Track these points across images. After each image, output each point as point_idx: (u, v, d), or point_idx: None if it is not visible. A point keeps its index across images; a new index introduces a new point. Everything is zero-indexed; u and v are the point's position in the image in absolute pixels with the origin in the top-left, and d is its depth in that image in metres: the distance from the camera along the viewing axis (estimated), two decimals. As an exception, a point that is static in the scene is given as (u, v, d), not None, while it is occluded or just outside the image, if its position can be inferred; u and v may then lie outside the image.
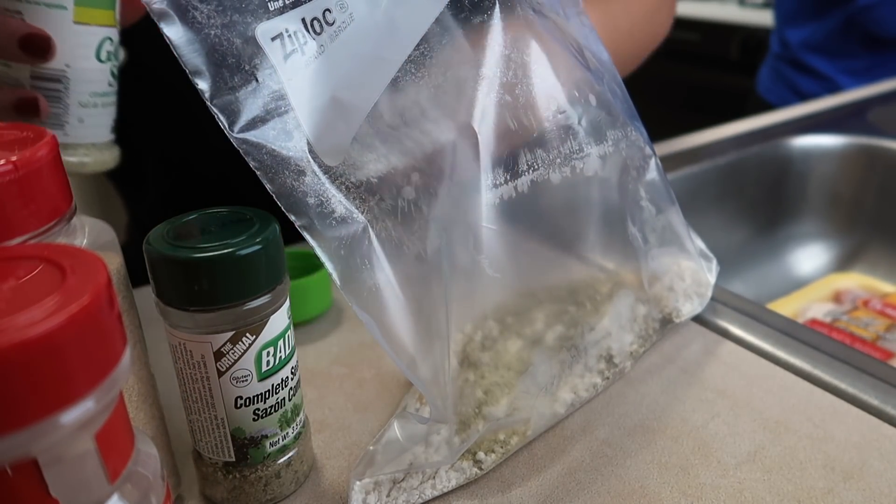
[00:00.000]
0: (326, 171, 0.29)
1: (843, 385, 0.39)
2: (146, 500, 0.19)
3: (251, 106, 0.28)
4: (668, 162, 0.68)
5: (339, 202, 0.30)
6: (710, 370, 0.41)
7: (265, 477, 0.31)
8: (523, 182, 0.35)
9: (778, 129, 0.77)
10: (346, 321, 0.47)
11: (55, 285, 0.16)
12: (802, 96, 1.13)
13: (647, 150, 0.42)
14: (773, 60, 1.22)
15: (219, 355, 0.28)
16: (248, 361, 0.29)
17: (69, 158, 0.36)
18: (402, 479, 0.32)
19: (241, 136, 0.27)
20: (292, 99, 0.28)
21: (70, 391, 0.16)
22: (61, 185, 0.25)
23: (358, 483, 0.32)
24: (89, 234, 0.27)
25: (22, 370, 0.15)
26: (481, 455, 0.33)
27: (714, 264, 0.46)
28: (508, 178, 0.34)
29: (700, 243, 0.46)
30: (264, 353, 0.29)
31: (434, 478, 0.32)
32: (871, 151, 0.73)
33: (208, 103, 0.27)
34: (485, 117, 0.33)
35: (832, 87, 1.11)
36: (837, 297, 0.65)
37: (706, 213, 0.69)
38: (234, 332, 0.28)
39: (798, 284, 0.71)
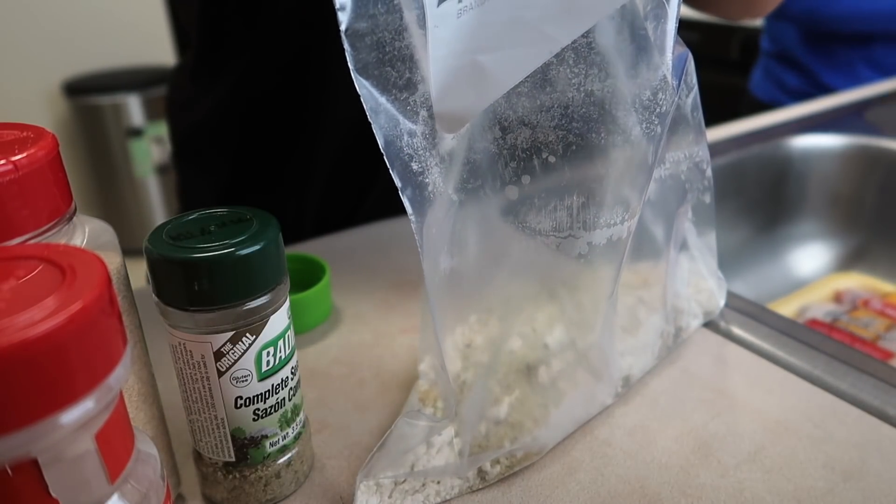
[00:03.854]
0: (436, 137, 0.26)
1: (843, 385, 0.39)
2: (146, 500, 0.19)
3: (384, 45, 0.25)
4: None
5: (440, 174, 0.27)
6: (710, 370, 0.41)
7: (265, 477, 0.31)
8: (636, 222, 0.32)
9: (778, 129, 0.77)
10: (346, 322, 0.47)
11: (55, 285, 0.16)
12: (789, 92, 1.16)
13: (708, 171, 0.40)
14: (763, 58, 1.25)
15: (219, 355, 0.28)
16: (248, 361, 0.29)
17: None
18: (404, 481, 0.32)
19: (362, 78, 0.25)
20: (431, 49, 0.25)
21: (70, 391, 0.16)
22: (61, 185, 0.25)
23: (364, 484, 0.32)
24: (89, 234, 0.27)
25: (22, 370, 0.15)
26: (486, 467, 0.33)
27: (724, 285, 0.46)
28: (627, 217, 0.31)
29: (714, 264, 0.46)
30: (264, 353, 0.29)
31: (438, 483, 0.32)
32: (871, 151, 0.73)
33: (342, 33, 0.24)
34: (624, 148, 0.29)
35: (816, 82, 1.14)
36: (837, 297, 0.65)
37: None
38: (234, 332, 0.28)
39: (798, 284, 0.71)
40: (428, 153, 0.27)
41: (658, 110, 0.31)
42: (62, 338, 0.15)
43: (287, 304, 0.30)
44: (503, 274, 0.33)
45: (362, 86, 0.25)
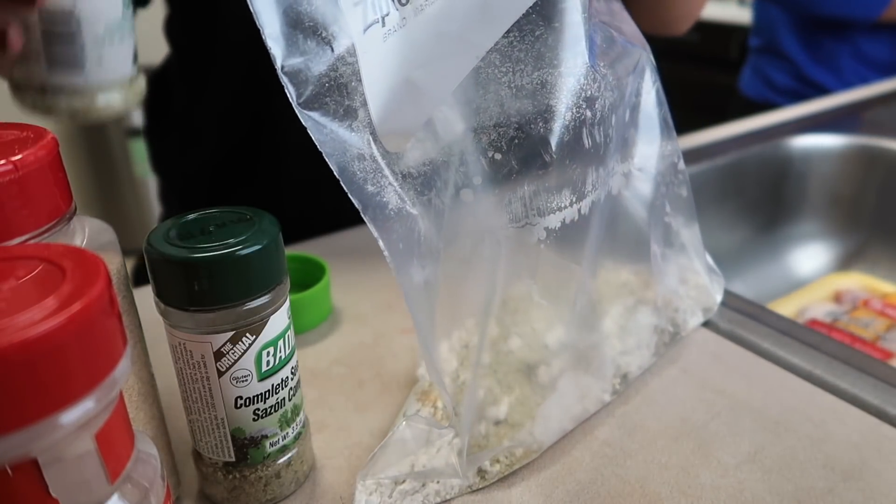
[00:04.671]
0: (385, 157, 0.28)
1: (843, 385, 0.39)
2: (146, 500, 0.19)
3: (320, 77, 0.26)
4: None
5: (395, 192, 0.28)
6: (710, 370, 0.41)
7: (265, 477, 0.31)
8: (586, 204, 0.33)
9: (778, 129, 0.77)
10: (346, 322, 0.47)
11: (55, 285, 0.16)
12: (775, 88, 1.19)
13: (681, 164, 0.40)
14: (752, 57, 1.28)
15: (219, 355, 0.28)
16: (248, 361, 0.29)
17: (92, 103, 0.34)
18: (404, 482, 0.32)
19: (306, 111, 0.26)
20: (364, 75, 0.26)
21: (70, 391, 0.16)
22: (61, 185, 0.25)
23: (361, 483, 0.32)
24: (89, 234, 0.27)
25: (22, 370, 0.15)
26: (486, 466, 0.33)
27: (721, 281, 0.46)
28: (574, 199, 0.32)
29: (709, 260, 0.46)
30: (264, 353, 0.29)
31: (438, 483, 0.32)
32: (871, 151, 0.73)
33: (279, 71, 0.25)
34: (562, 135, 0.31)
35: (800, 75, 1.16)
36: (837, 297, 0.65)
37: (706, 213, 0.69)
38: (234, 332, 0.28)
39: (798, 284, 0.71)
40: (379, 174, 0.28)
41: (584, 95, 0.32)
42: (62, 338, 0.15)
43: (287, 304, 0.30)
44: (478, 275, 0.33)
45: (307, 118, 0.26)
